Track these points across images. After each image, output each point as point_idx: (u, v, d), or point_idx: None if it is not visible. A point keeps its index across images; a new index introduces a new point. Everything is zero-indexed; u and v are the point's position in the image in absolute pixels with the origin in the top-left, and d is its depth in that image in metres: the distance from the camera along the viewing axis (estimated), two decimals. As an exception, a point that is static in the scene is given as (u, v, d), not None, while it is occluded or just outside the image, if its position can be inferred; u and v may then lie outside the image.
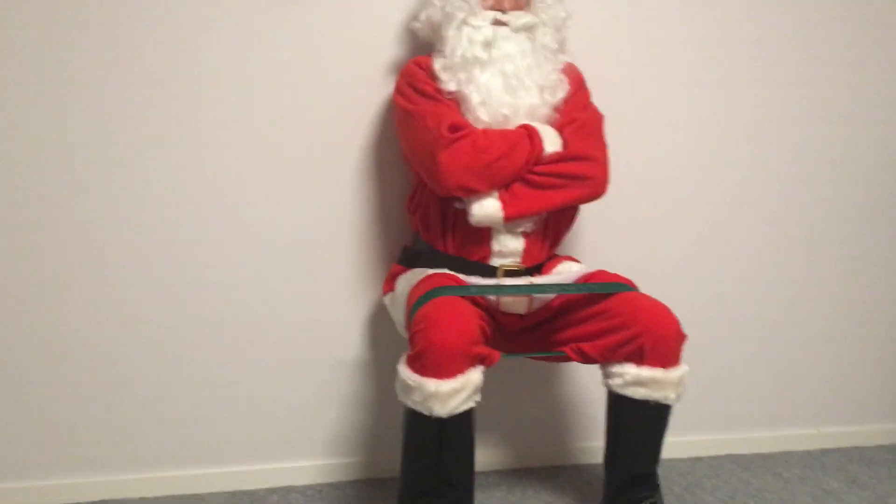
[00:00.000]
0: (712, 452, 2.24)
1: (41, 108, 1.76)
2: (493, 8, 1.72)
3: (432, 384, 1.43)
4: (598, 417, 2.06)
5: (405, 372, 1.47)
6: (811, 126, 2.18)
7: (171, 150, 1.83)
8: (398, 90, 1.74)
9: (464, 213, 1.68)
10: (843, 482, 2.08)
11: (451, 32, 1.70)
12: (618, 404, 1.65)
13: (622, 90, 2.03)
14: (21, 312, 1.81)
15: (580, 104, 1.76)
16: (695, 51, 2.07)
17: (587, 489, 1.98)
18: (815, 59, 2.16)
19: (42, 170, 1.78)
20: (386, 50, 1.90)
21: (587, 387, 2.13)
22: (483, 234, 1.70)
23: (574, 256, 1.93)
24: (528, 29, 1.73)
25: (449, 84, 1.68)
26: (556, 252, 1.87)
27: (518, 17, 1.72)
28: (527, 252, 1.72)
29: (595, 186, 1.70)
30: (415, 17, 1.81)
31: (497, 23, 1.71)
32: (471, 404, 1.48)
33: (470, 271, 1.69)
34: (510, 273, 1.70)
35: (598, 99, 1.83)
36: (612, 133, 1.81)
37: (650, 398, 1.60)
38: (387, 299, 1.83)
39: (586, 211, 1.95)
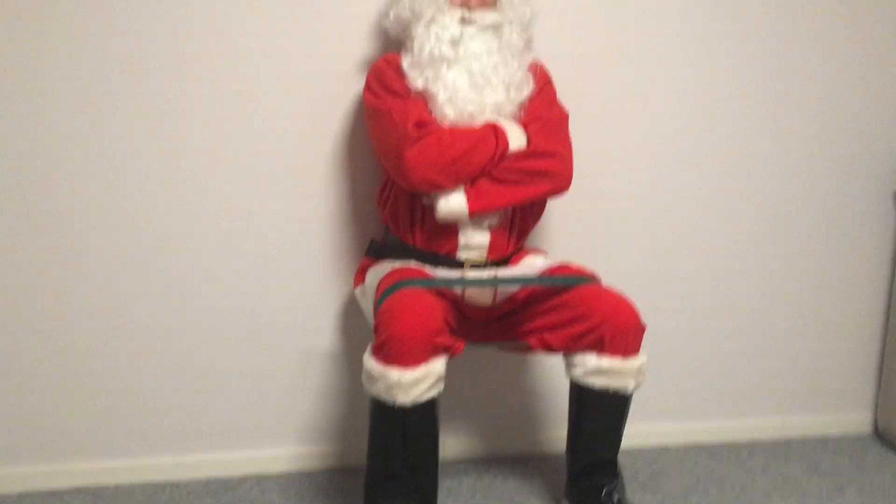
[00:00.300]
0: (679, 441, 2.29)
1: (24, 109, 1.80)
2: (460, 6, 1.75)
3: (395, 373, 1.47)
4: (566, 408, 2.10)
5: (369, 362, 1.52)
6: (784, 117, 2.20)
7: (146, 145, 1.87)
8: (367, 87, 1.78)
9: (431, 208, 1.72)
10: (804, 470, 2.14)
11: (419, 30, 1.74)
12: (579, 393, 1.70)
13: (590, 85, 2.06)
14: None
15: (546, 102, 1.80)
16: (667, 45, 2.09)
17: (554, 476, 2.03)
18: (795, 52, 2.17)
19: (29, 168, 1.83)
20: (358, 47, 1.93)
21: (557, 378, 2.15)
22: (450, 228, 1.74)
23: (542, 249, 1.98)
24: (495, 27, 1.76)
25: (416, 81, 1.71)
26: (524, 245, 1.91)
27: (485, 16, 1.75)
28: (492, 245, 1.76)
29: (559, 182, 1.75)
30: (385, 15, 1.85)
31: (464, 21, 1.74)
32: (434, 393, 1.53)
33: (437, 264, 1.74)
34: (476, 266, 1.74)
35: (567, 94, 1.87)
36: (583, 127, 1.85)
37: (609, 387, 1.65)
38: (357, 291, 1.87)
39: (556, 205, 1.99)
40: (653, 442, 2.26)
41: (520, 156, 1.70)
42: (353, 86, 1.92)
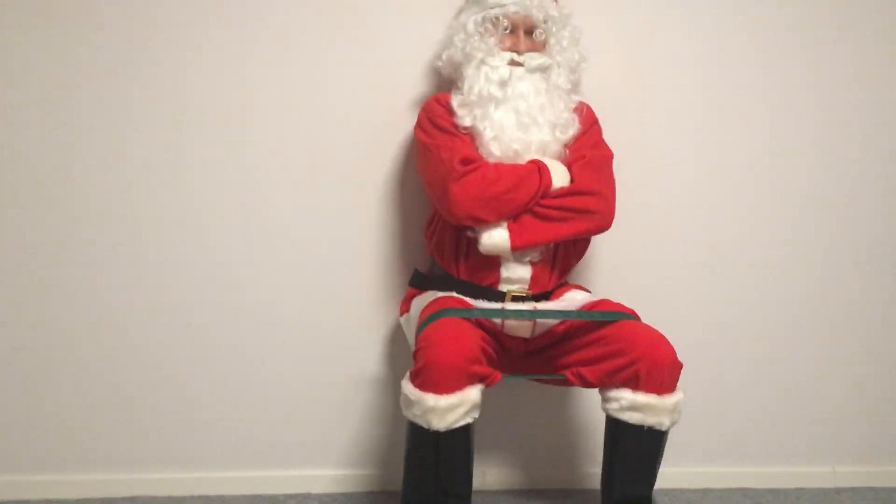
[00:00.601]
0: (724, 485, 2.26)
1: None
2: (510, 49, 1.83)
3: (431, 399, 1.53)
4: (606, 443, 2.12)
5: (407, 387, 1.58)
6: (824, 157, 2.20)
7: (203, 174, 2.01)
8: (419, 124, 1.87)
9: (476, 241, 1.78)
10: (851, 521, 2.09)
11: (469, 71, 1.82)
12: (614, 428, 1.72)
13: (637, 126, 2.11)
14: (57, 313, 2.00)
15: (590, 141, 1.86)
16: (706, 89, 2.13)
17: (591, 513, 2.04)
18: (839, 79, 2.17)
19: (70, 169, 1.99)
20: (412, 86, 2.03)
21: (599, 413, 2.18)
22: (493, 262, 1.80)
23: (585, 286, 2.01)
24: (543, 69, 1.84)
25: (465, 119, 1.79)
26: (568, 280, 1.95)
27: (533, 59, 1.83)
28: (534, 279, 1.81)
29: (600, 220, 1.79)
30: (438, 57, 1.94)
31: (513, 63, 1.82)
32: (469, 420, 1.57)
33: (479, 296, 1.79)
34: (517, 299, 1.79)
35: (613, 134, 1.92)
36: (628, 166, 1.90)
37: (644, 423, 1.66)
38: (402, 320, 1.94)
39: (603, 243, 2.03)
40: (696, 484, 2.24)
41: (562, 193, 1.76)
42: (406, 123, 2.01)
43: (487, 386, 1.61)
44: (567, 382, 1.76)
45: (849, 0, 2.17)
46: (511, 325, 1.76)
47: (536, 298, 1.81)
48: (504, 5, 1.82)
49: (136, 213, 2.00)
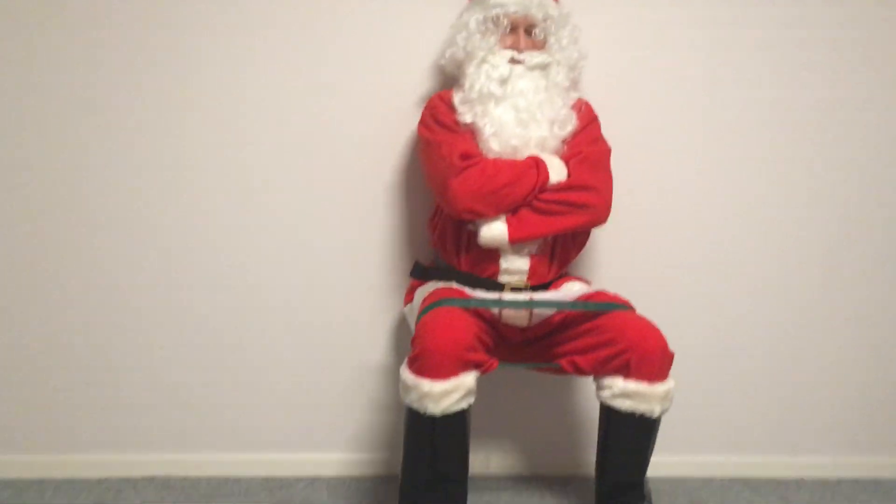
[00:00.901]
0: (725, 475, 2.29)
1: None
2: (510, 47, 1.88)
3: (426, 384, 1.60)
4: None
5: (405, 373, 1.65)
6: (825, 151, 2.21)
7: (209, 166, 2.09)
8: (422, 121, 1.93)
9: (476, 234, 1.84)
10: (849, 511, 2.12)
11: (471, 69, 1.88)
12: (607, 415, 1.78)
13: (634, 120, 2.14)
14: (74, 305, 2.10)
15: (588, 137, 1.90)
16: (707, 85, 2.16)
17: (591, 498, 2.09)
18: (848, 86, 2.17)
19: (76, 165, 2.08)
20: (416, 84, 2.09)
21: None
22: (493, 254, 1.85)
23: (586, 277, 2.06)
24: (543, 67, 1.88)
25: (466, 116, 1.85)
26: (567, 272, 2.01)
27: (533, 57, 1.87)
28: (532, 271, 1.86)
29: (595, 214, 1.84)
30: (442, 55, 2.00)
31: (513, 61, 1.87)
32: (464, 405, 1.64)
33: (479, 287, 1.85)
34: (515, 290, 1.85)
35: (611, 128, 1.97)
36: (628, 161, 1.96)
37: (636, 410, 1.72)
38: (406, 310, 2.01)
39: (603, 236, 2.08)
40: (696, 473, 2.28)
41: (559, 188, 1.81)
42: (411, 120, 2.07)
43: (483, 373, 1.68)
44: (562, 370, 1.82)
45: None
46: (508, 314, 1.82)
47: (535, 289, 1.87)
48: (505, 5, 1.87)
49: (142, 206, 2.09)
